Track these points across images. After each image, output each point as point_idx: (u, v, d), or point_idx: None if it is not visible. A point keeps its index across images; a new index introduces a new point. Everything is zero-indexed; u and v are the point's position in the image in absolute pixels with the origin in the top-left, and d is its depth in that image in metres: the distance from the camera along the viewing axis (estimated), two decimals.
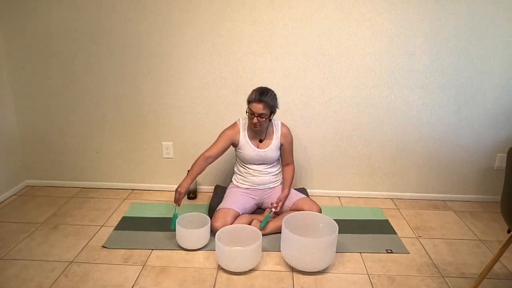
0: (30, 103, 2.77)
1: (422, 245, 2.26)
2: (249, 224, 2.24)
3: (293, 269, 1.99)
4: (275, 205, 2.30)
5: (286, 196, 2.37)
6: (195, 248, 2.13)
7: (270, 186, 2.45)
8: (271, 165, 2.43)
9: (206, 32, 2.56)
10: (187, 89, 2.69)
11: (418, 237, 2.35)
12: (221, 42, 2.58)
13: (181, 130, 2.79)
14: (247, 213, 2.37)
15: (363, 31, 2.52)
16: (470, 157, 2.78)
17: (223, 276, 1.93)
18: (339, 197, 2.90)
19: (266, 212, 2.36)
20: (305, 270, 1.96)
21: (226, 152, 2.38)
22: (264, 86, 2.29)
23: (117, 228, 2.36)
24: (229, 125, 2.41)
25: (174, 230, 2.16)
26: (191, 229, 2.13)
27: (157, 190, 2.93)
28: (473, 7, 2.44)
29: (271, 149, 2.37)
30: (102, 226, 2.39)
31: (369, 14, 2.48)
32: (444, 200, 2.87)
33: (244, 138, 2.36)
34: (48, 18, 2.57)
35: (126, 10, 2.53)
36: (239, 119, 2.42)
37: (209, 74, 2.65)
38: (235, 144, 2.38)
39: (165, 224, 2.37)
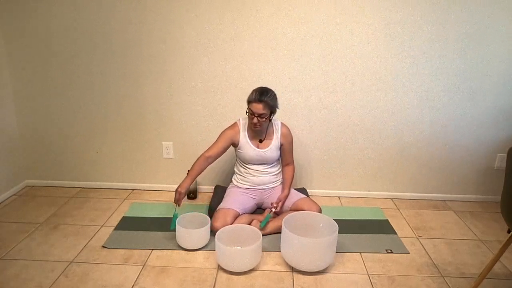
0: (30, 103, 2.77)
1: (422, 245, 2.26)
2: (249, 224, 2.24)
3: (293, 269, 1.99)
4: (275, 205, 2.30)
5: (286, 196, 2.37)
6: (195, 248, 2.13)
7: (270, 186, 2.45)
8: (271, 165, 2.43)
9: (206, 32, 2.56)
10: (187, 89, 2.69)
11: (418, 237, 2.35)
12: (222, 42, 2.58)
13: (181, 130, 2.79)
14: (247, 213, 2.37)
15: (367, 35, 2.52)
16: (470, 157, 2.78)
17: (223, 276, 1.93)
18: (339, 197, 2.90)
19: (266, 212, 2.36)
20: (305, 270, 1.96)
21: (226, 152, 2.38)
22: (264, 86, 2.30)
23: (117, 228, 2.36)
24: (229, 125, 2.41)
25: (174, 230, 2.16)
26: (191, 229, 2.13)
27: (157, 190, 2.93)
28: (475, 10, 2.44)
29: (271, 149, 2.37)
30: (102, 226, 2.39)
31: (374, 18, 2.48)
32: (444, 200, 2.87)
33: (244, 138, 2.36)
34: (48, 18, 2.57)
35: (127, 10, 2.53)
36: (239, 119, 2.42)
37: (209, 74, 2.65)
38: (235, 144, 2.38)
39: (165, 224, 2.37)
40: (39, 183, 2.96)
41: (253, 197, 2.43)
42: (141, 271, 1.96)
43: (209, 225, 2.15)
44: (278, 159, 2.47)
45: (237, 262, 1.92)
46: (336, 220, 2.06)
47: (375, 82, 2.62)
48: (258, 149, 2.35)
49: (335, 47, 2.56)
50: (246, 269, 1.95)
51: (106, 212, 2.57)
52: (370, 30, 2.51)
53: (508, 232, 2.32)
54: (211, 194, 2.68)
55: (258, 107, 2.20)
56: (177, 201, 2.17)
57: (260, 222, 2.27)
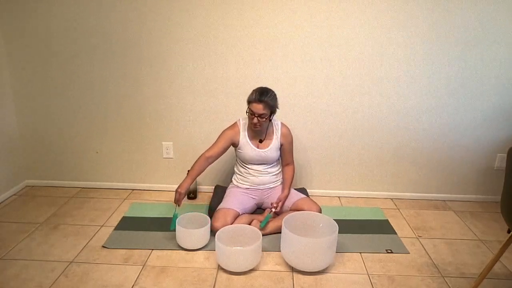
0: (30, 103, 2.77)
1: (422, 245, 2.26)
2: (249, 224, 2.24)
3: (293, 269, 1.99)
4: (275, 205, 2.30)
5: (286, 196, 2.37)
6: (195, 248, 2.13)
7: (270, 186, 2.45)
8: (271, 165, 2.43)
9: (206, 32, 2.56)
10: (187, 89, 2.69)
11: (418, 237, 2.35)
12: (222, 42, 2.58)
13: (181, 130, 2.79)
14: (247, 213, 2.37)
15: (367, 37, 2.52)
16: (470, 157, 2.78)
17: (223, 276, 1.93)
18: (339, 197, 2.90)
19: (266, 212, 2.36)
20: (305, 270, 1.96)
21: (226, 152, 2.38)
22: (264, 86, 2.30)
23: (117, 228, 2.36)
24: (229, 125, 2.41)
25: (174, 230, 2.16)
26: (191, 229, 2.13)
27: (157, 190, 2.93)
28: (475, 11, 2.44)
29: (271, 149, 2.37)
30: (102, 226, 2.39)
31: (373, 21, 2.48)
32: (444, 200, 2.87)
33: (244, 138, 2.36)
34: (48, 18, 2.57)
35: (127, 10, 2.53)
36: (239, 119, 2.42)
37: (209, 74, 2.65)
38: (235, 144, 2.38)
39: (165, 224, 2.37)
40: (39, 183, 2.96)
41: (253, 197, 2.43)
42: (141, 271, 1.96)
43: (209, 225, 2.15)
44: (278, 159, 2.47)
45: (237, 262, 1.92)
46: (336, 220, 2.06)
47: (375, 83, 2.62)
48: (258, 149, 2.35)
49: (335, 49, 2.56)
50: (246, 269, 1.95)
51: (106, 212, 2.57)
52: (370, 33, 2.51)
53: (508, 232, 2.32)
54: (211, 194, 2.68)
55: (258, 107, 2.20)
56: (177, 201, 2.17)
57: (260, 222, 2.26)
